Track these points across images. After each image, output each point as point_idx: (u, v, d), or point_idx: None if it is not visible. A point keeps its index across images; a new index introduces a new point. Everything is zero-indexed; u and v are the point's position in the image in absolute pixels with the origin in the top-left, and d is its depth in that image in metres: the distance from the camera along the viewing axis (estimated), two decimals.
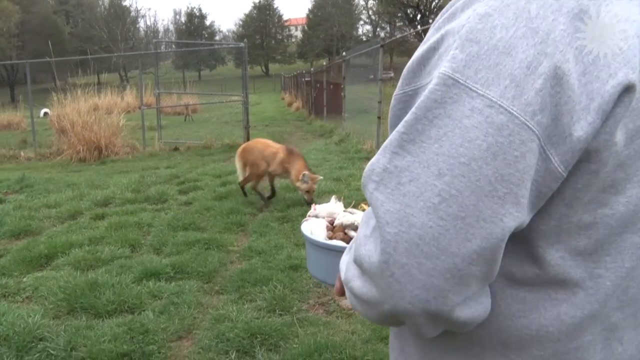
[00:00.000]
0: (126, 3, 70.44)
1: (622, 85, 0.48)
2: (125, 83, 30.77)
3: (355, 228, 1.06)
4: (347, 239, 1.03)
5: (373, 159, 0.52)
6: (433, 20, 0.62)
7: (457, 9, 0.54)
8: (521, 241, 0.54)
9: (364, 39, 59.13)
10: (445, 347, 0.60)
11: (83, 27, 63.60)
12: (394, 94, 0.59)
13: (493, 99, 0.47)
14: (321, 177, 5.03)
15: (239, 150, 5.36)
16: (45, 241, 4.02)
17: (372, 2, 62.98)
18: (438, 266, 0.47)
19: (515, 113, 0.46)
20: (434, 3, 48.00)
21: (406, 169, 0.49)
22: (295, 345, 2.39)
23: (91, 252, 3.74)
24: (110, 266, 3.48)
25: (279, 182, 5.45)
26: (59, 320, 2.74)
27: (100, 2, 68.31)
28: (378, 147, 6.84)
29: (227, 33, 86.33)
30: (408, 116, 0.50)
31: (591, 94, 0.47)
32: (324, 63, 17.65)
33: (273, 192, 5.27)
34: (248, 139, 9.79)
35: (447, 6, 0.57)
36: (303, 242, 3.37)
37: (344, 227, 1.09)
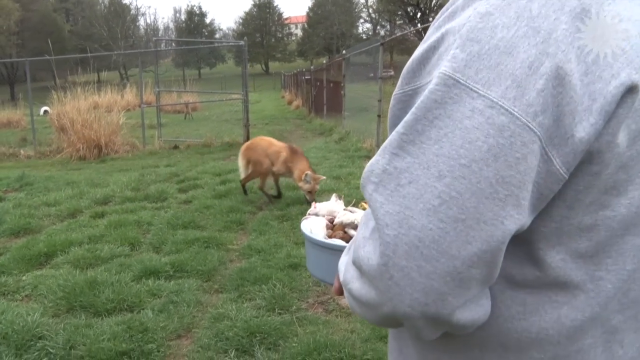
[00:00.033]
0: (126, 1, 70.35)
1: (624, 85, 0.47)
2: (125, 81, 30.76)
3: (355, 227, 1.06)
4: (347, 238, 1.02)
5: (372, 160, 0.52)
6: (433, 18, 0.61)
7: (457, 7, 0.53)
8: (521, 243, 0.53)
9: (364, 37, 59.10)
10: (444, 349, 0.60)
11: (83, 25, 63.56)
12: (394, 93, 0.58)
13: (494, 99, 0.46)
14: (324, 178, 5.01)
15: (243, 147, 5.33)
16: (44, 239, 4.02)
17: (372, 0, 62.93)
18: (438, 269, 0.46)
19: (516, 114, 0.46)
20: (434, 1, 47.95)
21: (406, 170, 0.48)
22: (294, 344, 2.39)
23: (90, 251, 3.73)
24: (109, 265, 3.48)
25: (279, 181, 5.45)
26: (58, 318, 2.74)
27: (100, 0, 68.26)
28: (378, 146, 6.81)
29: (227, 31, 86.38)
30: (408, 116, 0.50)
31: (593, 94, 0.47)
32: (324, 61, 17.62)
33: (279, 193, 5.24)
34: (248, 138, 9.79)
35: (447, 4, 0.57)
36: (303, 240, 3.37)
37: (343, 226, 1.09)
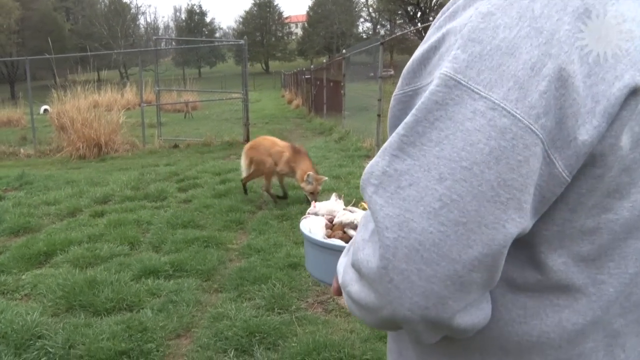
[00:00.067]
0: (126, 0, 70.21)
1: (628, 87, 0.46)
2: (125, 80, 30.73)
3: (354, 227, 1.05)
4: (346, 238, 1.02)
5: (372, 162, 0.51)
6: (433, 18, 0.60)
7: (458, 7, 0.52)
8: (523, 246, 0.53)
9: (364, 37, 59.05)
10: (445, 352, 0.59)
11: (83, 24, 63.54)
12: (394, 94, 0.58)
13: (496, 101, 0.45)
14: (326, 178, 4.98)
15: (246, 147, 5.31)
16: (44, 238, 4.02)
17: None
18: (438, 273, 0.46)
19: (518, 116, 0.45)
20: (434, 1, 47.92)
21: (406, 173, 0.47)
22: (293, 344, 2.39)
23: (90, 250, 3.73)
24: (109, 264, 3.47)
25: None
26: (58, 318, 2.73)
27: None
28: (378, 145, 6.80)
29: (227, 30, 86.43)
30: (408, 118, 0.49)
31: (597, 96, 0.46)
32: (324, 60, 17.63)
33: (285, 194, 5.22)
34: (248, 137, 9.79)
35: (448, 4, 0.56)
36: (302, 240, 3.36)
37: (343, 226, 1.08)
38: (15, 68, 46.59)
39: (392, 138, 0.50)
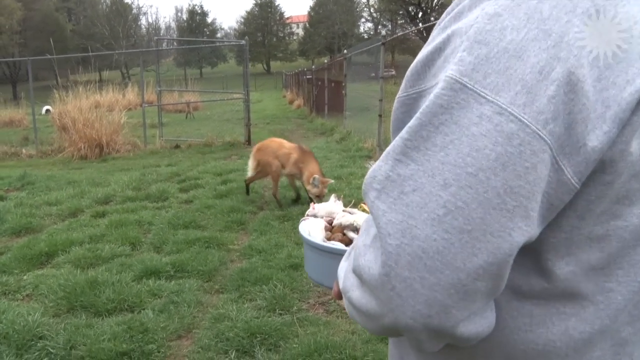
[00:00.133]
0: (128, 0, 70.35)
1: None
2: (127, 80, 30.80)
3: (354, 229, 1.04)
4: (346, 240, 1.01)
5: (375, 166, 0.50)
6: (435, 18, 0.59)
7: (464, 7, 0.51)
8: (529, 253, 0.51)
9: (366, 37, 59.05)
10: (447, 359, 0.58)
11: (85, 24, 63.69)
12: (397, 96, 0.56)
13: (503, 105, 0.44)
14: (332, 181, 4.93)
15: (254, 149, 5.29)
16: (45, 239, 4.02)
17: None
18: (442, 281, 0.44)
19: (526, 121, 0.44)
20: (435, 1, 47.89)
21: (410, 178, 0.46)
22: (295, 345, 2.38)
23: (91, 250, 3.73)
24: (110, 264, 3.47)
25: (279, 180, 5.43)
26: (59, 318, 2.73)
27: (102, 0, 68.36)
28: (379, 146, 6.77)
29: (228, 30, 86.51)
30: (412, 121, 0.48)
31: (607, 101, 0.45)
32: (326, 61, 17.63)
33: (298, 195, 5.18)
34: (249, 137, 9.79)
35: (453, 4, 0.55)
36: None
37: (342, 228, 1.06)
38: (17, 68, 46.74)
39: (396, 142, 0.48)
